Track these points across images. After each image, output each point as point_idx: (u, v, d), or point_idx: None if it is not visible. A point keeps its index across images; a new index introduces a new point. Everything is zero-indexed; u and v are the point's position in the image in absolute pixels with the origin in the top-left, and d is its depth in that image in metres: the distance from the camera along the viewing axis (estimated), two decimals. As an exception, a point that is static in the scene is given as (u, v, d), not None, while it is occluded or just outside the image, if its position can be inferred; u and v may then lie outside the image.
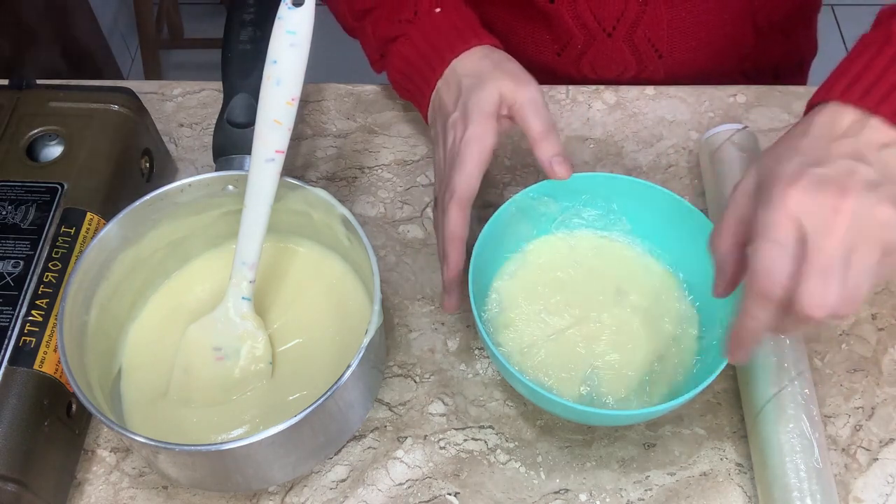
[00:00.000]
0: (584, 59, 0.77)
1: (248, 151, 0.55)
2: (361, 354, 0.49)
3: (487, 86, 0.58)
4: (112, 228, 0.54)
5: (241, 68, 0.58)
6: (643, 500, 0.56)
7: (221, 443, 0.47)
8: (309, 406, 0.47)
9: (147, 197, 0.55)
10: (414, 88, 0.64)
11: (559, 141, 0.57)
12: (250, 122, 0.56)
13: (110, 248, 0.55)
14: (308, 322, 0.59)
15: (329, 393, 0.48)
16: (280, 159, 0.53)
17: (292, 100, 0.52)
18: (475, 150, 0.56)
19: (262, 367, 0.56)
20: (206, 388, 0.56)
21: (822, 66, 0.74)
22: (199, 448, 0.47)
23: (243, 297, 0.56)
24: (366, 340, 0.50)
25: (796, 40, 0.83)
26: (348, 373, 0.49)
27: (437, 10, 0.63)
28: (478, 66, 0.60)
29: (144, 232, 0.57)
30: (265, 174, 0.53)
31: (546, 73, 0.78)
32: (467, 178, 0.56)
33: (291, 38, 0.50)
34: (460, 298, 0.57)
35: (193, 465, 0.50)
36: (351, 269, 0.60)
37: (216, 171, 0.57)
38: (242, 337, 0.56)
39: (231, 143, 0.58)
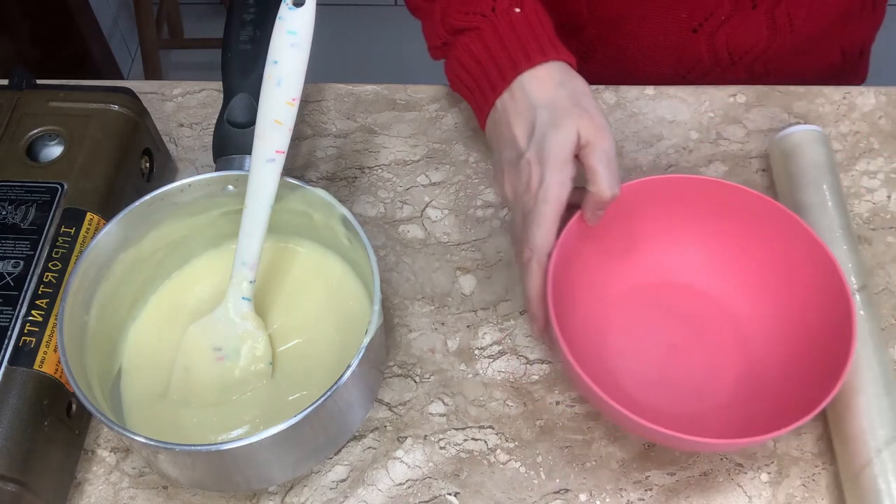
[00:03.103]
0: (720, 33, 0.75)
1: (249, 151, 0.55)
2: (361, 354, 0.49)
3: (566, 126, 0.55)
4: (112, 228, 0.54)
5: (241, 68, 0.58)
6: (643, 500, 0.56)
7: (221, 443, 0.47)
8: (309, 406, 0.47)
9: (147, 197, 0.55)
10: (476, 89, 0.62)
11: (613, 199, 0.56)
12: (250, 122, 0.56)
13: (110, 248, 0.55)
14: (308, 322, 0.59)
15: (329, 393, 0.48)
16: (281, 159, 0.53)
17: (293, 100, 0.52)
18: (554, 206, 0.54)
19: (262, 367, 0.56)
20: (207, 389, 0.56)
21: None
22: (198, 448, 0.47)
23: (243, 298, 0.56)
24: (366, 340, 0.50)
25: (879, 11, 0.81)
26: (348, 373, 0.49)
27: (517, 9, 0.60)
28: (554, 96, 0.57)
29: (145, 232, 0.57)
30: (266, 174, 0.53)
31: (671, 53, 0.77)
32: (547, 235, 0.54)
33: (292, 38, 0.50)
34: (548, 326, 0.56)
35: (193, 465, 0.50)
36: (351, 269, 0.60)
37: (216, 171, 0.57)
38: (243, 337, 0.56)
39: (231, 143, 0.58)
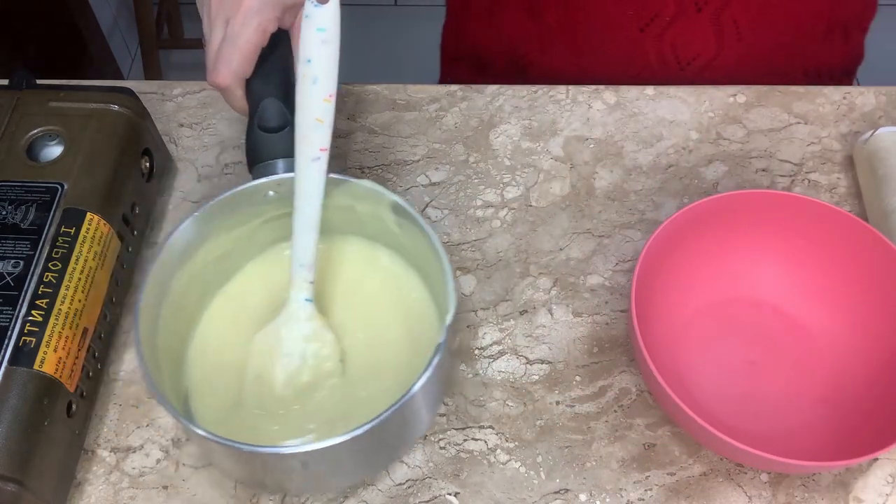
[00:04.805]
0: (666, 35, 0.75)
1: (284, 155, 0.55)
2: (446, 335, 0.49)
3: None
4: (172, 244, 0.53)
5: (261, 73, 0.57)
6: (643, 500, 0.56)
7: (310, 443, 0.46)
8: (407, 392, 0.47)
9: (196, 214, 0.54)
10: None
11: None
12: (282, 126, 0.56)
13: (169, 266, 0.54)
14: (368, 315, 0.58)
15: (427, 373, 0.48)
16: (325, 157, 0.53)
17: (330, 96, 0.51)
18: (260, 36, 0.55)
19: (332, 365, 0.56)
20: (280, 394, 0.55)
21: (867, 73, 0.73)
22: (290, 450, 0.47)
23: (306, 299, 0.55)
24: (448, 319, 0.49)
25: (853, 44, 0.83)
26: (435, 361, 0.48)
27: None
28: None
29: (196, 248, 0.56)
30: (312, 173, 0.53)
31: (622, 52, 0.77)
32: (246, 62, 0.55)
33: (322, 35, 0.50)
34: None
35: (284, 468, 0.50)
36: (401, 256, 0.60)
37: (253, 179, 0.56)
38: (310, 338, 0.56)
39: (265, 148, 0.57)
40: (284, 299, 0.56)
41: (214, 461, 0.55)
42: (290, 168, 0.55)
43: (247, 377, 0.55)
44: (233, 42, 0.55)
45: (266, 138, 0.57)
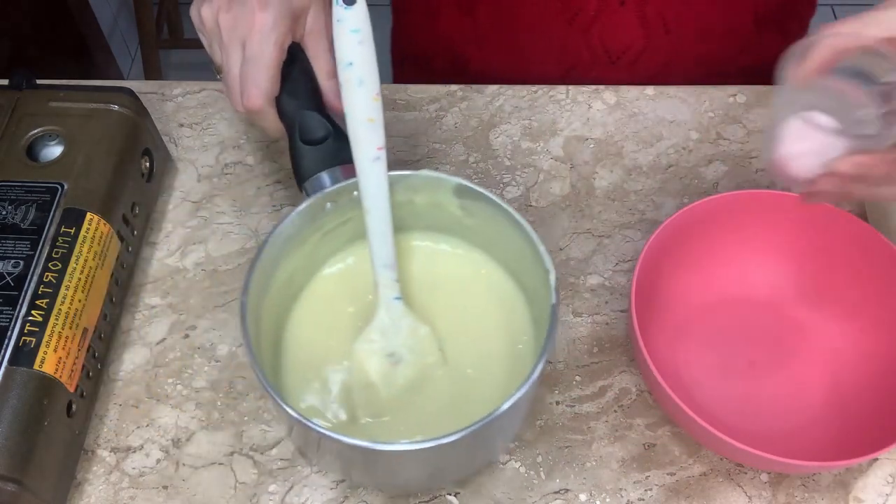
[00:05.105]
0: (594, 28, 0.76)
1: (332, 164, 0.55)
2: (557, 297, 0.49)
3: None
4: (253, 280, 0.52)
5: (287, 89, 0.57)
6: (643, 500, 0.56)
7: (443, 436, 0.46)
8: (526, 383, 0.47)
9: (270, 238, 0.53)
10: None
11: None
12: (326, 136, 0.56)
13: (257, 295, 0.52)
14: (449, 304, 0.58)
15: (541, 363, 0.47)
16: (384, 155, 0.52)
17: (377, 95, 0.51)
18: (280, 51, 0.55)
19: (435, 356, 0.56)
20: (394, 396, 0.55)
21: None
22: (419, 446, 0.46)
23: (395, 298, 0.55)
24: (553, 298, 0.50)
25: (792, 41, 0.83)
26: (551, 327, 0.48)
27: None
28: None
29: (270, 276, 0.54)
30: (375, 173, 0.52)
31: (554, 45, 0.77)
32: (275, 79, 0.56)
33: (358, 36, 0.49)
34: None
35: (409, 465, 0.50)
36: (462, 240, 0.60)
37: (308, 195, 0.55)
38: (408, 334, 0.56)
39: (314, 162, 0.56)
40: (370, 303, 0.56)
41: (325, 466, 0.55)
42: (338, 178, 0.55)
43: (354, 390, 0.54)
44: (256, 62, 0.55)
45: (313, 151, 0.56)
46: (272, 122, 0.57)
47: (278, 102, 0.57)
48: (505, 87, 0.76)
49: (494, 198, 0.54)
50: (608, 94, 0.75)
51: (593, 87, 0.76)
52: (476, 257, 0.60)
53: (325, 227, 0.57)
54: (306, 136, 0.57)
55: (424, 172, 0.55)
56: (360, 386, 0.55)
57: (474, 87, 0.77)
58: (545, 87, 0.76)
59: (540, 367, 0.47)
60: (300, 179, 0.57)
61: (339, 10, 0.49)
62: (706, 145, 0.72)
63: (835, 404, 0.58)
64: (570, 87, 0.76)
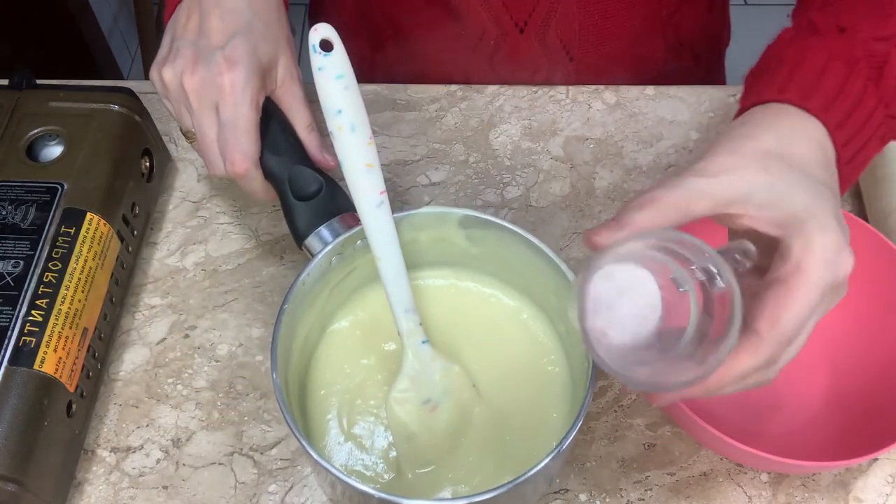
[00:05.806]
0: (497, 55, 0.76)
1: (328, 218, 0.54)
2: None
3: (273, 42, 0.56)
4: (280, 351, 0.50)
5: (268, 147, 0.56)
6: (643, 500, 0.56)
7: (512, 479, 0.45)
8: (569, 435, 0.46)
9: (290, 297, 0.51)
10: None
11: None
12: (319, 190, 0.55)
13: (283, 366, 0.51)
14: (469, 338, 0.57)
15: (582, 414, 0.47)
16: (386, 199, 0.51)
17: (370, 139, 0.50)
18: (256, 111, 0.54)
19: (470, 393, 0.55)
20: (437, 443, 0.54)
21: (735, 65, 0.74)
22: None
23: (423, 342, 0.54)
24: (572, 314, 0.47)
25: (706, 68, 0.83)
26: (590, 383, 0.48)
27: None
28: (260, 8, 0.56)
29: (292, 335, 0.53)
30: (381, 219, 0.51)
31: (462, 73, 0.78)
32: (255, 141, 0.55)
33: (343, 81, 0.48)
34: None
35: None
36: (470, 270, 0.59)
37: (311, 253, 0.54)
38: (441, 376, 0.54)
39: (311, 218, 0.55)
40: (386, 352, 0.55)
41: None
42: (337, 231, 0.54)
43: (397, 444, 0.53)
44: (234, 126, 0.53)
45: (308, 207, 0.55)
46: (260, 184, 0.56)
47: (262, 162, 0.55)
48: (505, 87, 0.76)
49: (504, 223, 0.53)
50: (608, 94, 0.75)
51: (593, 87, 0.76)
52: (487, 285, 0.59)
53: (333, 282, 0.56)
54: (298, 192, 0.56)
55: (427, 209, 0.55)
56: (402, 439, 0.53)
57: (474, 86, 0.77)
58: (545, 87, 0.76)
59: (573, 433, 0.46)
60: (299, 238, 0.55)
61: (318, 57, 0.48)
62: (706, 145, 0.72)
63: (835, 404, 0.57)
64: (570, 87, 0.76)
